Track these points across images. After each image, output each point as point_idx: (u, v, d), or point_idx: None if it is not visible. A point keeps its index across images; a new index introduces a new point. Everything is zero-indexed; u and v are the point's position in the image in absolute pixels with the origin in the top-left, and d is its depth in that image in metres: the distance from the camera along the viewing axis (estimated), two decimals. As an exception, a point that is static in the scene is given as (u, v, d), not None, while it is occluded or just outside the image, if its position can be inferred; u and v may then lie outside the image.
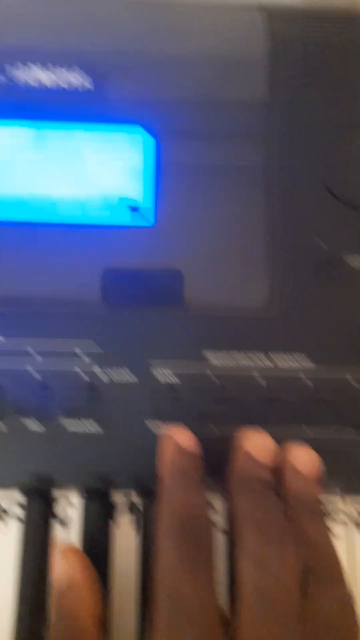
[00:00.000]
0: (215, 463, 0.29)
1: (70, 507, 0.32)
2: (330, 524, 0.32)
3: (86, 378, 0.30)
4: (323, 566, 0.25)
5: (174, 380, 0.30)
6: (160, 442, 0.29)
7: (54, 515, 0.32)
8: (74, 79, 0.32)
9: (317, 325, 0.31)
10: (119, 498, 0.32)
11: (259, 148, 0.33)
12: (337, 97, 0.33)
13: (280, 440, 0.29)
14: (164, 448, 0.28)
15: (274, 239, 0.32)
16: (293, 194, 0.32)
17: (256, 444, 0.28)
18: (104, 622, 0.27)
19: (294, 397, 0.30)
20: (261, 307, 0.31)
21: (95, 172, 0.32)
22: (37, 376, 0.30)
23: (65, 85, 0.32)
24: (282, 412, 0.30)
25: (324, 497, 0.33)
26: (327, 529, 0.27)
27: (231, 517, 0.27)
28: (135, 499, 0.32)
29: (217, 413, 0.30)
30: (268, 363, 0.31)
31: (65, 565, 0.27)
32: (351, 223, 0.32)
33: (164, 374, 0.30)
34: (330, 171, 0.32)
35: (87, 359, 0.30)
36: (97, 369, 0.30)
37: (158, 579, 0.24)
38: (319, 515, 0.27)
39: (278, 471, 0.29)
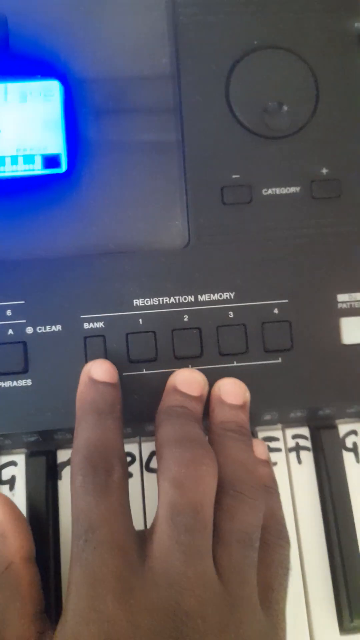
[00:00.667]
0: (147, 402, 0.29)
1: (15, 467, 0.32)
2: (270, 452, 0.32)
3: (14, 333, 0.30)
4: (242, 480, 0.25)
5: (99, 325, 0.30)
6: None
7: (-2, 478, 0.31)
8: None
9: (237, 259, 0.30)
10: (62, 454, 0.32)
11: (169, 89, 0.32)
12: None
13: (210, 373, 0.29)
14: (79, 384, 0.28)
15: (187, 177, 0.31)
16: (204, 130, 0.31)
17: (183, 378, 0.28)
18: (33, 559, 0.27)
19: (216, 328, 0.30)
20: (180, 246, 0.31)
21: (9, 125, 0.31)
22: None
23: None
24: (206, 344, 0.30)
25: (264, 429, 0.33)
26: (250, 448, 0.27)
27: (156, 445, 0.26)
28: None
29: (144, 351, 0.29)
30: (191, 299, 0.30)
31: None
32: (261, 152, 0.31)
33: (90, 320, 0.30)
34: (236, 100, 0.31)
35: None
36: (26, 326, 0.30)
37: (71, 510, 0.25)
38: (242, 436, 0.27)
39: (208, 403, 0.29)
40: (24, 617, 0.25)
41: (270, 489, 0.29)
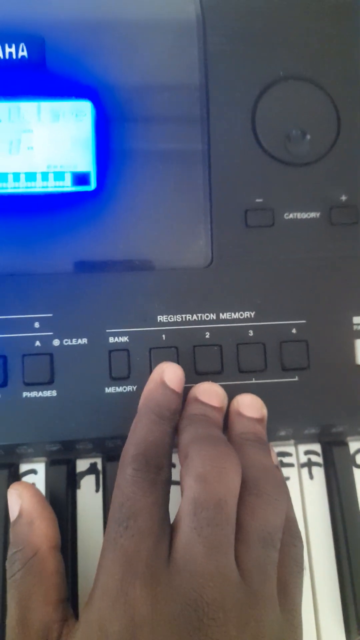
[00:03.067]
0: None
1: (35, 475, 0.32)
2: (283, 467, 0.34)
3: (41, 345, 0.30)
4: (265, 480, 0.26)
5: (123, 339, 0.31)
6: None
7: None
8: (20, 52, 0.32)
9: (257, 279, 0.32)
10: (81, 464, 0.33)
11: (198, 115, 0.33)
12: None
13: (229, 389, 0.30)
14: (149, 380, 0.29)
15: (212, 199, 0.32)
16: (230, 155, 0.32)
17: (204, 389, 0.29)
18: (59, 548, 0.28)
19: (236, 345, 0.31)
20: (203, 266, 0.32)
21: (41, 142, 0.32)
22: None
23: (9, 58, 0.32)
24: (226, 361, 0.31)
25: (277, 444, 0.34)
26: (269, 454, 0.28)
27: (179, 449, 0.27)
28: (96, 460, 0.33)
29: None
30: (212, 317, 0.31)
31: (15, 496, 0.28)
32: (284, 178, 0.32)
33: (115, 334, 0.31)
34: (261, 128, 0.33)
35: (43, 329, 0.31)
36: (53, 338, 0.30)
37: (114, 498, 0.26)
38: (261, 444, 0.28)
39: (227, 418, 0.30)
40: (48, 604, 0.26)
41: None
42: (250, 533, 0.25)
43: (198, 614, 0.23)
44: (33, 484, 0.29)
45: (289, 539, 0.27)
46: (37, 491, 0.29)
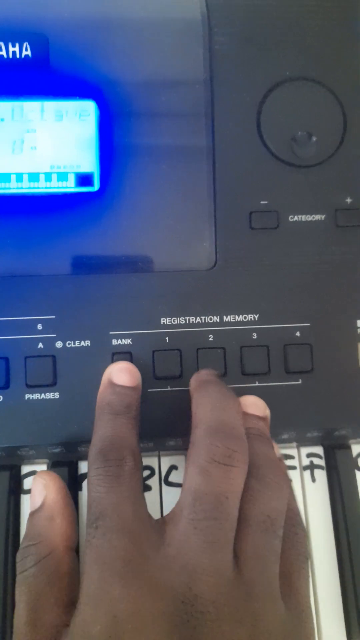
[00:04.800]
0: (171, 418, 0.30)
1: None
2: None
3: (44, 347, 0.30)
4: (267, 466, 0.26)
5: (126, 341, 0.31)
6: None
7: (20, 487, 0.32)
8: (24, 51, 0.31)
9: (261, 282, 0.32)
10: (83, 466, 0.33)
11: (203, 115, 0.33)
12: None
13: (233, 391, 0.30)
14: (101, 383, 0.29)
15: (217, 201, 0.32)
16: (235, 157, 0.32)
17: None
18: (74, 551, 0.27)
19: (240, 348, 0.31)
20: (207, 268, 0.32)
21: (44, 142, 0.32)
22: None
23: (13, 57, 0.31)
24: (230, 364, 0.31)
25: (279, 447, 0.34)
26: (273, 447, 0.28)
27: (193, 419, 0.27)
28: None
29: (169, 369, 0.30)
30: (216, 319, 0.31)
31: (41, 486, 0.28)
32: (289, 180, 0.32)
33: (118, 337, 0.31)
34: (267, 129, 0.32)
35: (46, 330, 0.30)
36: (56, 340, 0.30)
37: (87, 502, 0.25)
38: (266, 439, 0.28)
39: None
40: (60, 606, 0.25)
41: None
42: (251, 518, 0.25)
43: (186, 607, 0.22)
44: (59, 478, 0.29)
45: (291, 529, 0.27)
46: (64, 486, 0.28)
